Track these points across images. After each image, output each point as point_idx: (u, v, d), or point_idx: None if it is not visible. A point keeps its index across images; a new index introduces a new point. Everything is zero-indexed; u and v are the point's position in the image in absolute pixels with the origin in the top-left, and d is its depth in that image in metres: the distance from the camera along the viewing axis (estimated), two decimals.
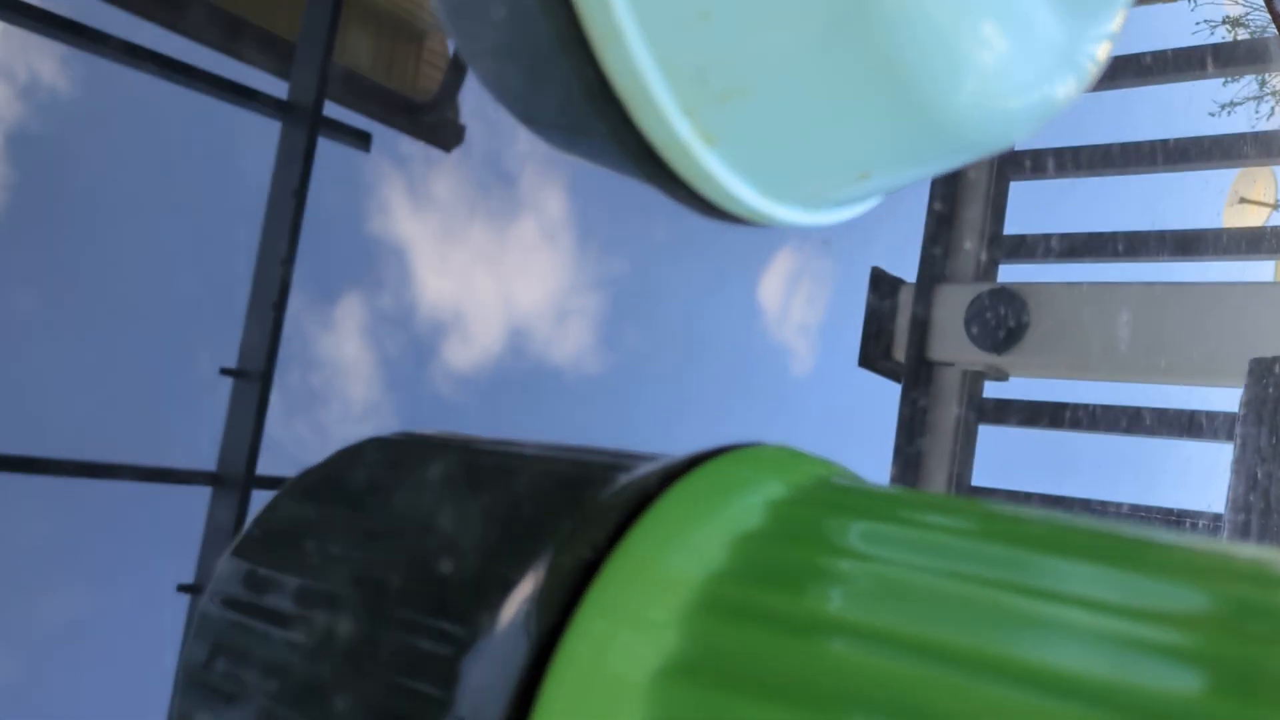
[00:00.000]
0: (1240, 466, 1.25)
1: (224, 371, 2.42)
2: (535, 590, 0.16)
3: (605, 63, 0.16)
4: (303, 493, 0.22)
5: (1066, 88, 0.19)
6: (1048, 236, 2.13)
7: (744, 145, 0.17)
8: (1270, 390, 1.26)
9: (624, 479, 0.17)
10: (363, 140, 2.87)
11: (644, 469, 0.17)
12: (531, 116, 0.19)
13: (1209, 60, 1.99)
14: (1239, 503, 1.25)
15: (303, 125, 2.35)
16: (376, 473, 0.21)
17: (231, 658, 0.19)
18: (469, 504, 0.18)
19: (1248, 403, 1.29)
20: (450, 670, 0.16)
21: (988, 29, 0.16)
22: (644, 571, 0.16)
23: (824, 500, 0.17)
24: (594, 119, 0.17)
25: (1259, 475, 1.21)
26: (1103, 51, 0.20)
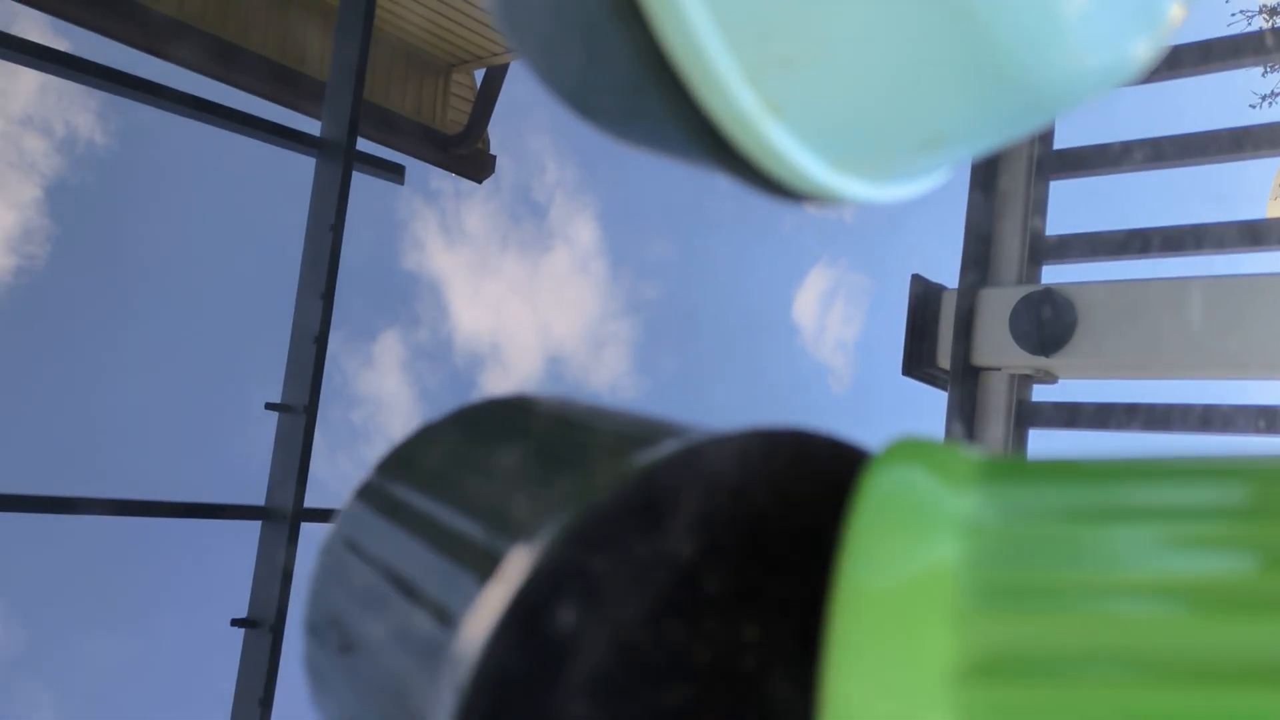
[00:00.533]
0: None
1: (269, 406, 2.45)
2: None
3: (662, 32, 0.15)
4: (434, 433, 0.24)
5: (1143, 45, 0.18)
6: (1089, 235, 2.10)
7: (811, 113, 0.16)
8: None
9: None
10: (397, 173, 2.90)
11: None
12: (585, 102, 0.18)
13: (1248, 51, 1.96)
14: None
15: (337, 160, 2.37)
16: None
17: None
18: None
19: None
20: None
21: None
22: (887, 589, 0.16)
23: (1018, 477, 0.18)
24: (651, 96, 0.16)
25: None
26: (1176, 15, 0.19)
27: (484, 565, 0.19)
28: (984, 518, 0.16)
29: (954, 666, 0.14)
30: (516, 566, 0.18)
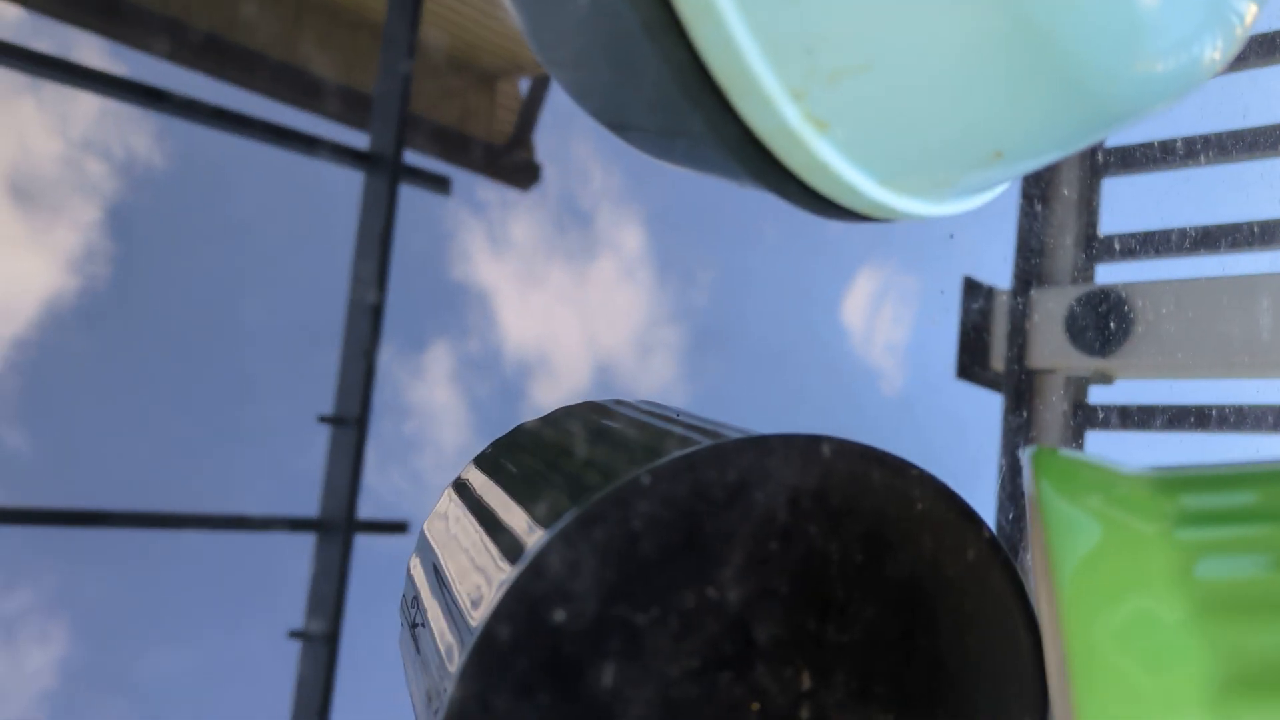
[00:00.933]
0: None
1: (322, 419, 2.48)
2: None
3: (701, 45, 0.14)
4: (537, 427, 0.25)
5: (1214, 51, 0.17)
6: (1146, 233, 2.06)
7: (861, 129, 0.15)
8: None
9: None
10: (442, 185, 2.93)
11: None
12: (621, 119, 0.17)
13: None
14: None
15: (384, 174, 2.39)
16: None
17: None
18: None
19: None
20: None
21: None
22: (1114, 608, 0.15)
23: (1189, 486, 0.18)
24: (690, 113, 0.15)
25: None
26: (1250, 13, 0.18)
27: (511, 556, 0.19)
28: (1186, 542, 0.16)
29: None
30: (517, 563, 0.18)
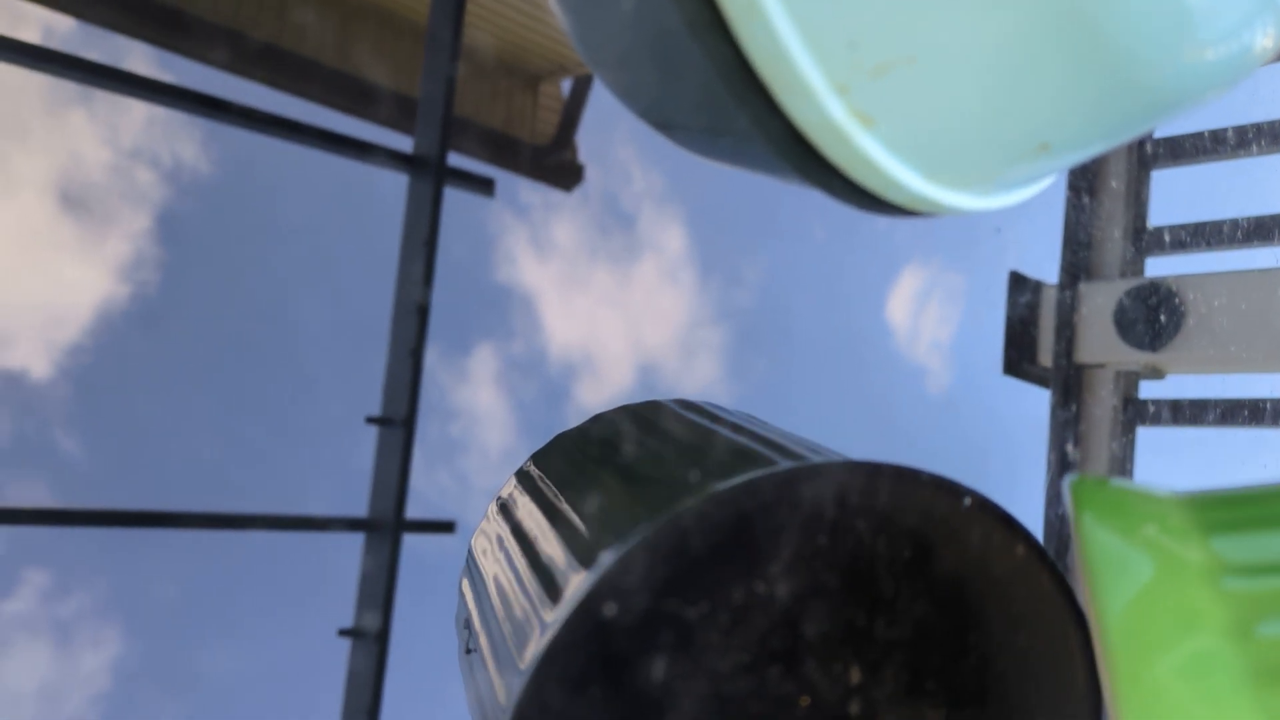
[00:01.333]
0: None
1: (370, 420, 2.50)
2: None
3: (745, 42, 0.14)
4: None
5: (1265, 38, 0.17)
6: (1197, 225, 2.01)
7: (906, 123, 0.15)
8: None
9: None
10: (486, 187, 2.94)
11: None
12: (666, 118, 0.17)
13: None
14: None
15: (429, 177, 2.41)
16: None
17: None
18: None
19: None
20: None
21: None
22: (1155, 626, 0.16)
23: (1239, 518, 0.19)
24: (735, 110, 0.15)
25: None
26: None
27: (561, 582, 0.19)
28: (1240, 595, 0.17)
29: None
30: (577, 581, 0.18)
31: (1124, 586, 0.17)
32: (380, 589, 2.38)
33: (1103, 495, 0.19)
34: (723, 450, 0.20)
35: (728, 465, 0.19)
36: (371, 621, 2.42)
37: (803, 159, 0.16)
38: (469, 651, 0.22)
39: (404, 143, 2.53)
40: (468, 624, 0.24)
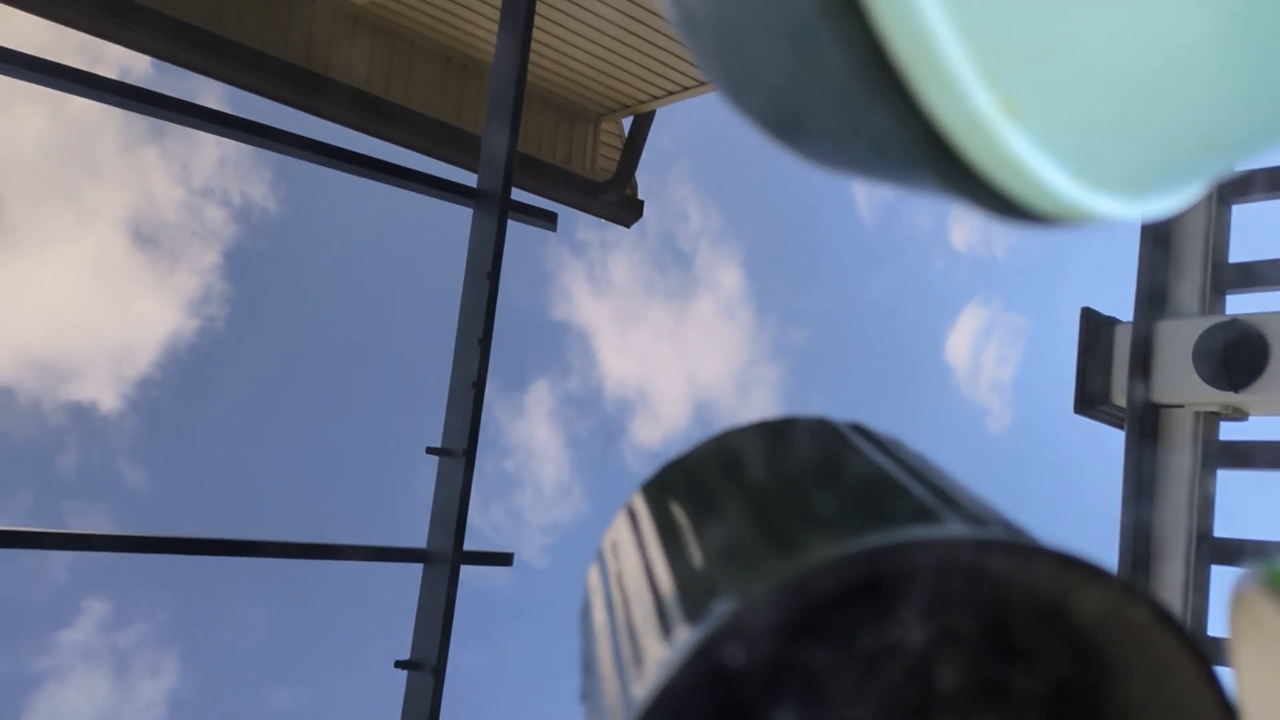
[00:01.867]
0: None
1: (430, 451, 2.51)
2: None
3: (884, 25, 0.13)
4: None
5: None
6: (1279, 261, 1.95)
7: (1059, 115, 0.14)
8: None
9: None
10: (550, 220, 2.96)
11: None
12: (793, 120, 0.16)
13: None
14: None
15: (493, 210, 2.43)
16: None
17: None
18: None
19: None
20: None
21: None
22: None
23: None
24: (870, 104, 0.14)
25: None
26: None
27: (688, 619, 0.17)
28: None
29: None
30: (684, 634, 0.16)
31: None
32: (437, 621, 2.37)
33: None
34: (870, 485, 0.18)
35: (871, 508, 0.17)
36: (428, 653, 2.42)
37: (942, 162, 0.14)
38: (584, 698, 0.21)
39: (470, 178, 2.56)
40: (586, 665, 0.22)
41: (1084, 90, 0.14)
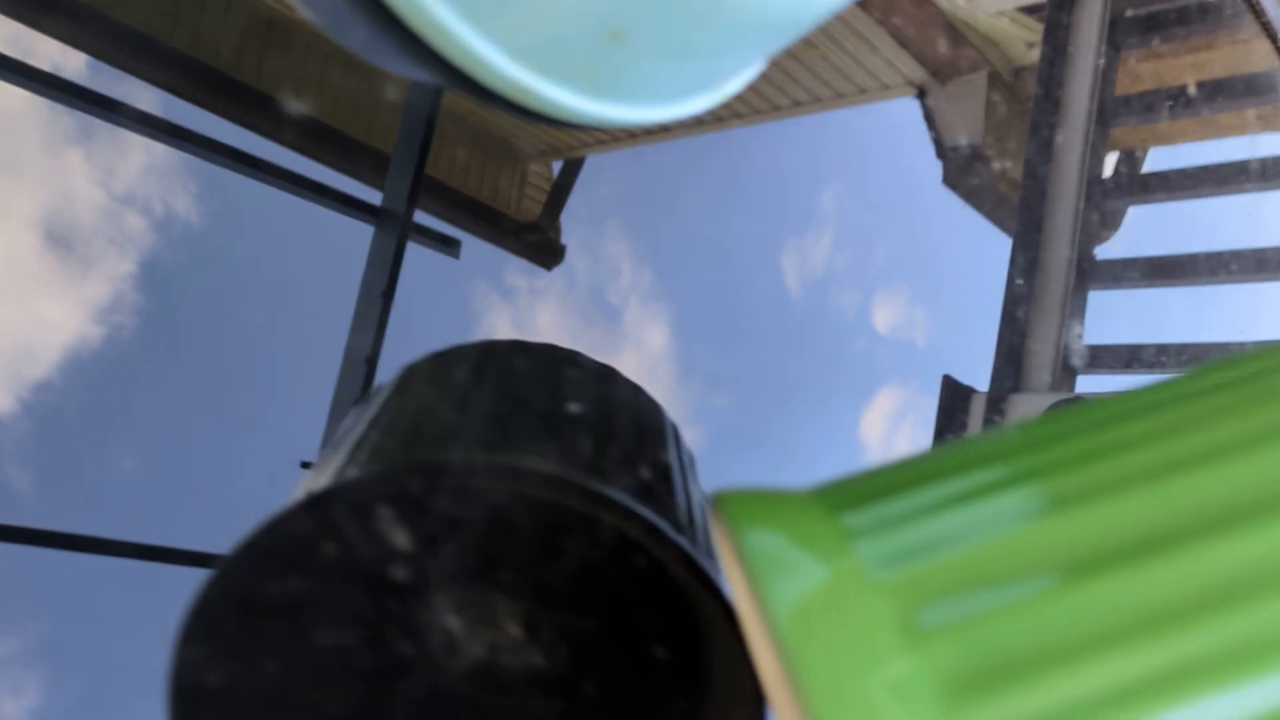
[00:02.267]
0: None
1: (304, 465, 2.49)
2: None
3: None
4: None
5: None
6: (1126, 347, 2.05)
7: (494, 18, 0.17)
8: None
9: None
10: (452, 247, 2.99)
11: None
12: (331, 27, 0.20)
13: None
14: None
15: (394, 229, 2.45)
16: None
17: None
18: None
19: None
20: None
21: None
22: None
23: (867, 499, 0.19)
24: (362, 20, 0.18)
25: None
26: None
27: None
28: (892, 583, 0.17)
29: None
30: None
31: (791, 595, 0.17)
32: None
33: (745, 503, 0.19)
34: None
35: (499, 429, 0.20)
36: None
37: (410, 48, 0.18)
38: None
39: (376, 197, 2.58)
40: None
41: None
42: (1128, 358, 2.21)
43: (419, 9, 0.17)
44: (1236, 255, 2.22)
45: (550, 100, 0.18)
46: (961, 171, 0.51)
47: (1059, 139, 0.65)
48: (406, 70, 0.20)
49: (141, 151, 0.22)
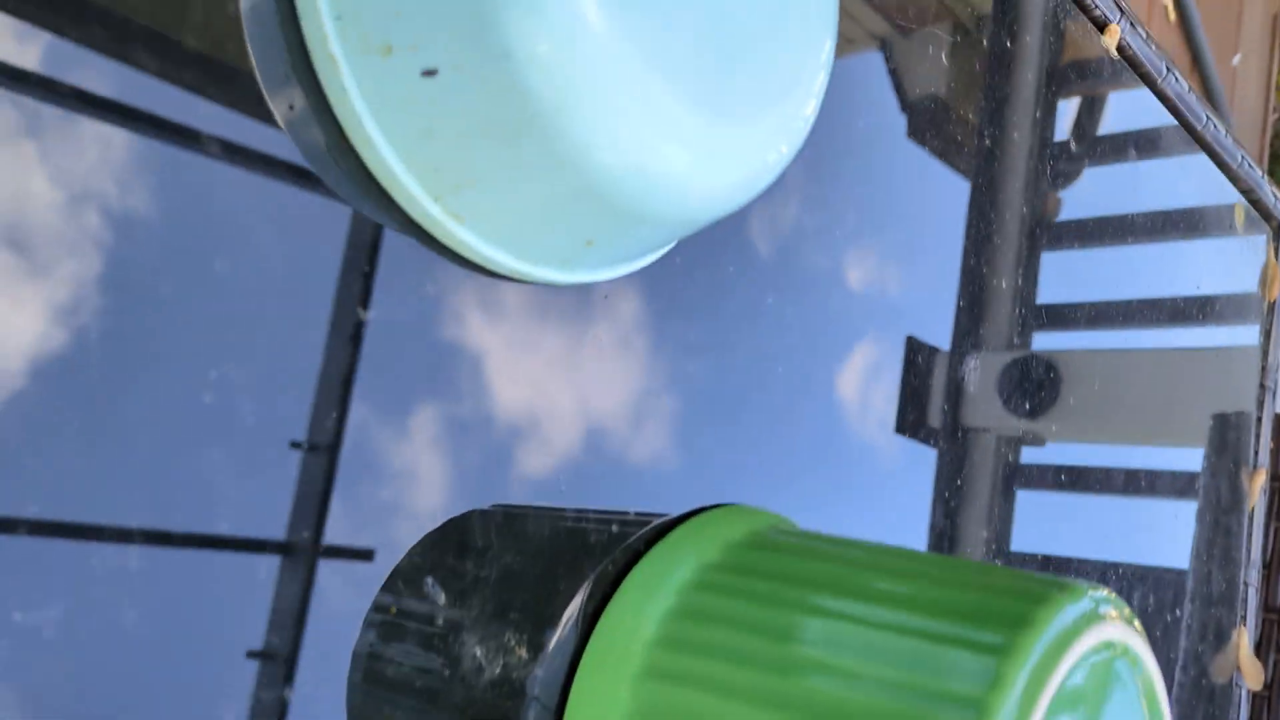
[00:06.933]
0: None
1: (293, 445, 2.54)
2: (566, 632, 0.25)
3: (370, 166, 0.22)
4: (421, 550, 0.31)
5: (747, 167, 0.24)
6: (1081, 305, 2.12)
7: (484, 221, 0.22)
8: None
9: (619, 549, 0.26)
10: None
11: (632, 539, 0.26)
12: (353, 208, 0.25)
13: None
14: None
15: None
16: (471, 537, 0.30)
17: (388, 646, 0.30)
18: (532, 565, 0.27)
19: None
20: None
21: (640, 134, 0.21)
22: (614, 638, 0.25)
23: (743, 565, 0.26)
24: (378, 211, 0.23)
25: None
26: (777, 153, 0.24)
27: None
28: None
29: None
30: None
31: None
32: (293, 611, 2.40)
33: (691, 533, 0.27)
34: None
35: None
36: (281, 644, 2.44)
37: (423, 238, 0.23)
38: None
39: None
40: None
41: (496, 210, 0.23)
42: (1089, 315, 2.28)
43: (451, 235, 0.22)
44: (1184, 214, 2.27)
45: (542, 278, 0.24)
46: (927, 124, 0.54)
47: (1014, 93, 0.70)
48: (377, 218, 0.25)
49: (97, 145, 0.24)
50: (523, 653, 0.26)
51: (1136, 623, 0.26)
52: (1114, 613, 0.25)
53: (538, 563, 0.28)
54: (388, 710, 0.30)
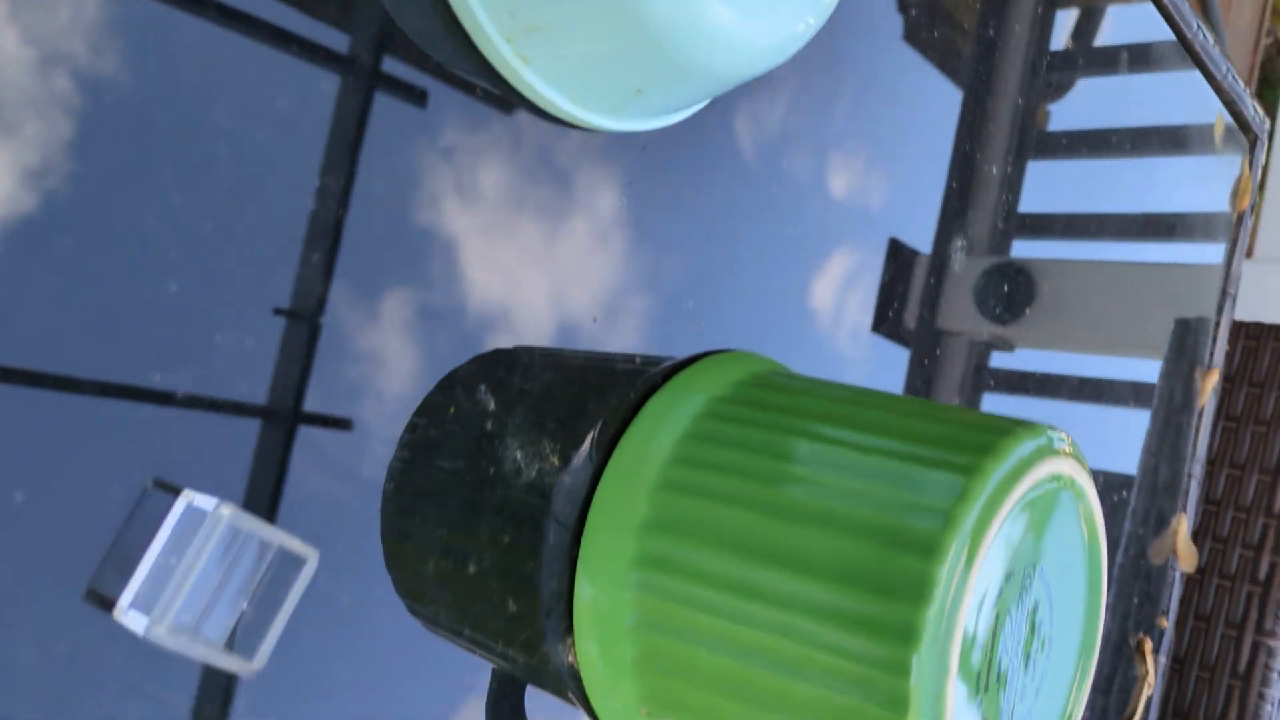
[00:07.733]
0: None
1: (277, 312, 2.56)
2: (589, 450, 0.28)
3: (455, 8, 0.25)
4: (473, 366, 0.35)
5: (781, 32, 0.27)
6: (1058, 216, 2.15)
7: (549, 64, 0.25)
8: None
9: (639, 381, 0.30)
10: (419, 98, 3.01)
11: (651, 372, 0.30)
12: (421, 44, 0.27)
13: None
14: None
15: (363, 80, 2.45)
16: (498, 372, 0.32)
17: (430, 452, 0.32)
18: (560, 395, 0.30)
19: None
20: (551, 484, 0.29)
21: None
22: (634, 455, 0.28)
23: (748, 399, 0.29)
24: (455, 52, 0.26)
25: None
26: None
27: None
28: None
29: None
30: None
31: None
32: (271, 476, 2.45)
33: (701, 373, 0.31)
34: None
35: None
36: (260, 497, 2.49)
37: (493, 80, 0.26)
38: None
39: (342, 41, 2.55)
40: None
41: (562, 55, 0.25)
42: (1064, 225, 2.31)
43: (518, 75, 0.25)
44: (1168, 131, 2.29)
45: (594, 124, 0.27)
46: (922, 27, 0.54)
47: None
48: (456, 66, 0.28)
49: (70, 5, 0.23)
50: (555, 460, 0.30)
51: (1086, 464, 0.30)
52: (1069, 450, 0.29)
53: (571, 386, 0.31)
54: (423, 515, 0.33)
